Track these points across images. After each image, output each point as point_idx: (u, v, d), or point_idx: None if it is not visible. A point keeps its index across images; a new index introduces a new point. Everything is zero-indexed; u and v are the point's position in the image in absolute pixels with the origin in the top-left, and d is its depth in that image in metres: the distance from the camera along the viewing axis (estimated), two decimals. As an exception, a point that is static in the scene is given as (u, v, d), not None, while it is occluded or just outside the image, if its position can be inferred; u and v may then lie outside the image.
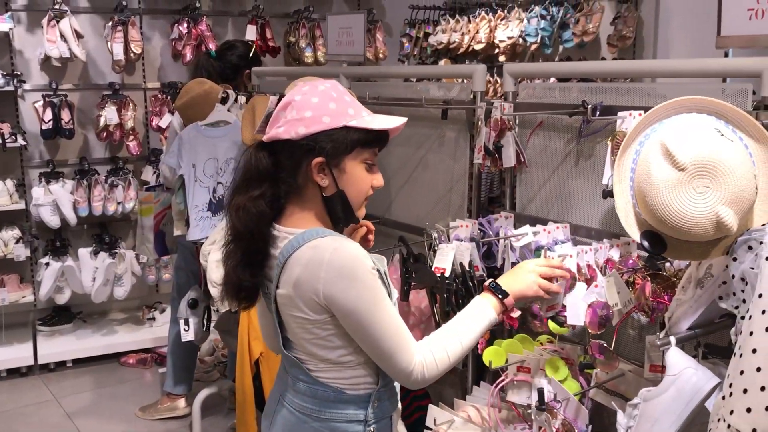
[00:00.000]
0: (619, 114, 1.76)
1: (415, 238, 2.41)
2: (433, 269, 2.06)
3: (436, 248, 2.10)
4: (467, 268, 2.02)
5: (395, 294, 1.62)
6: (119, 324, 4.59)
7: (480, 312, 1.59)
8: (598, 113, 1.90)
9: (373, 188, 1.61)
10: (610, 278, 1.65)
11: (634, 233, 1.43)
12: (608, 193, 1.73)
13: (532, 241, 2.01)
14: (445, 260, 2.03)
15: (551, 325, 1.92)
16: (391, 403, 1.66)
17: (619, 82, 2.35)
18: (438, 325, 2.17)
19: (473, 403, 2.22)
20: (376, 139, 1.57)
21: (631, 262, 1.80)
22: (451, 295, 1.97)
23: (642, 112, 1.69)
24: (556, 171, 2.16)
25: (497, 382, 2.01)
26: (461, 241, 2.12)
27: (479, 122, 2.21)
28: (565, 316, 1.81)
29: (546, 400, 1.80)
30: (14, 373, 4.16)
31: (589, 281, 1.81)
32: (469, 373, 2.45)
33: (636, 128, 1.44)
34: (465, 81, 2.42)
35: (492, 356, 1.99)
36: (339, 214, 1.55)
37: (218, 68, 3.60)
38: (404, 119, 1.58)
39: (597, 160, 2.02)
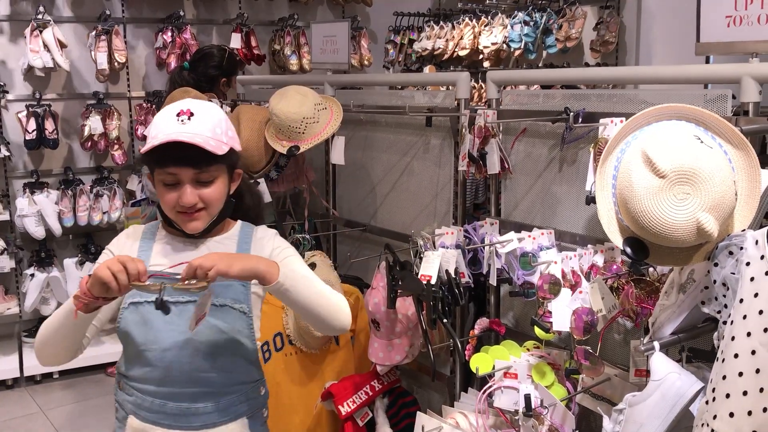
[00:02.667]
0: (601, 121, 1.77)
1: (401, 245, 2.41)
2: (419, 276, 2.07)
3: (422, 255, 2.11)
4: (453, 275, 2.02)
5: None
6: (105, 335, 4.54)
7: None
8: (580, 120, 1.92)
9: (181, 206, 1.58)
10: (594, 284, 1.66)
11: (617, 239, 1.44)
12: (591, 200, 1.74)
13: (517, 248, 2.03)
14: (430, 267, 2.04)
15: (537, 331, 1.93)
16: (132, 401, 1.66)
17: (601, 88, 2.37)
18: (425, 333, 2.18)
19: (461, 409, 2.22)
20: (152, 159, 1.58)
21: (615, 267, 1.82)
22: (437, 302, 1.98)
23: (623, 119, 1.71)
24: (540, 177, 2.17)
25: (484, 388, 2.01)
26: (447, 248, 2.13)
27: (463, 129, 2.23)
28: (551, 322, 1.82)
29: (533, 406, 1.81)
30: (0, 385, 4.12)
31: (573, 287, 1.82)
32: (456, 380, 2.46)
33: (617, 135, 1.45)
34: (450, 88, 2.43)
35: (479, 362, 2.00)
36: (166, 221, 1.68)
37: (193, 80, 3.48)
38: (166, 139, 1.53)
39: (580, 166, 2.04)
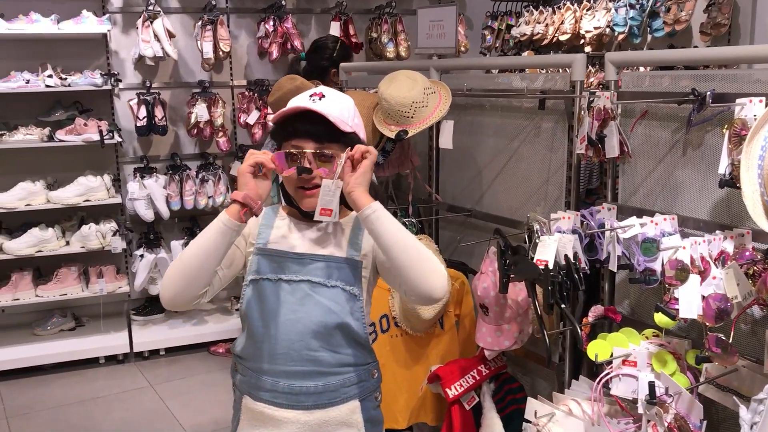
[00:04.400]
0: (738, 101, 1.70)
1: (509, 231, 2.39)
2: (534, 261, 2.04)
3: (537, 240, 2.08)
4: (572, 260, 1.99)
5: None
6: (208, 314, 4.73)
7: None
8: (710, 101, 1.85)
9: (299, 183, 1.64)
10: (729, 270, 1.60)
11: (762, 222, 1.38)
12: (725, 183, 1.68)
13: (638, 233, 1.97)
14: (547, 252, 2.01)
15: (658, 318, 1.88)
16: (246, 381, 1.71)
17: (730, 69, 2.27)
18: (540, 318, 2.16)
19: (573, 396, 2.19)
20: (279, 131, 1.66)
21: (747, 254, 1.74)
22: (555, 287, 1.95)
23: (763, 98, 1.63)
24: (661, 161, 2.10)
25: (602, 375, 1.97)
26: (563, 233, 2.10)
27: (581, 112, 2.18)
28: (677, 309, 1.76)
29: (657, 394, 1.76)
30: (112, 360, 4.35)
31: (702, 273, 1.76)
32: (566, 367, 2.42)
33: (765, 116, 1.39)
34: (563, 70, 2.38)
35: (598, 349, 1.96)
36: (286, 200, 1.74)
37: (306, 71, 3.66)
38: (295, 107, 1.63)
39: (707, 149, 1.96)
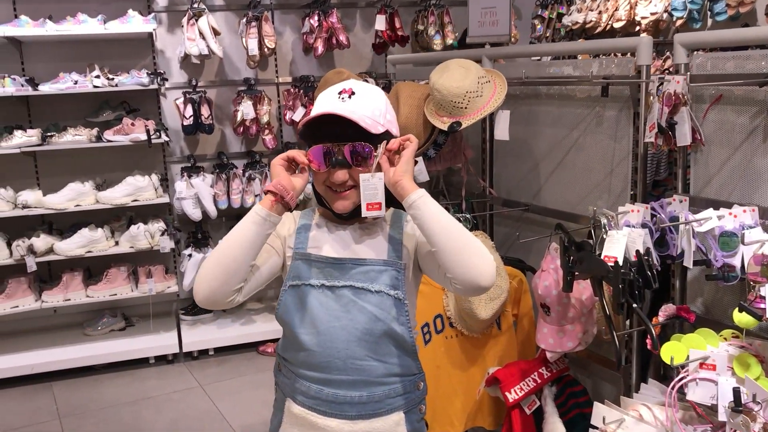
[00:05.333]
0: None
1: (568, 226, 2.26)
2: (602, 258, 1.92)
3: (604, 235, 1.95)
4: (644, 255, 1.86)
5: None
6: (256, 314, 4.69)
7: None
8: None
9: (331, 184, 1.58)
10: (825, 265, 1.45)
11: None
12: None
13: (716, 226, 1.83)
14: (616, 248, 1.89)
15: (738, 318, 1.73)
16: (289, 384, 1.65)
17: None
18: (608, 318, 2.03)
19: (642, 401, 2.06)
20: (308, 133, 1.58)
21: (843, 247, 1.59)
22: (626, 285, 1.82)
23: None
24: (738, 149, 1.95)
25: (677, 379, 1.84)
26: (632, 227, 1.97)
27: (650, 98, 2.04)
28: (763, 309, 1.62)
29: (742, 401, 1.62)
30: (161, 360, 4.34)
31: (791, 270, 1.62)
32: (633, 370, 2.29)
33: None
34: (627, 55, 2.24)
35: (673, 351, 1.83)
36: (318, 200, 1.67)
37: None
38: (325, 110, 1.54)
39: (791, 135, 1.81)
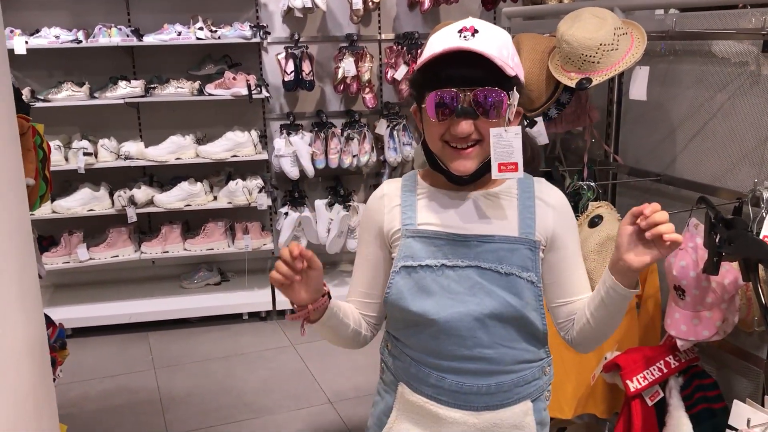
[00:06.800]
0: None
1: (711, 200, 1.99)
2: (760, 238, 1.66)
3: (765, 213, 1.69)
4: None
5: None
6: (349, 276, 4.58)
7: None
8: None
9: (451, 138, 1.33)
10: None
11: None
12: None
13: None
14: (779, 227, 1.62)
15: None
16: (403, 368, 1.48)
17: None
18: (764, 308, 1.77)
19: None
20: (423, 79, 1.34)
21: None
22: (792, 270, 1.56)
23: None
24: None
25: None
26: (798, 203, 1.69)
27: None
28: None
29: None
30: (255, 316, 4.33)
31: None
32: (777, 366, 2.02)
33: None
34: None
35: None
36: (430, 162, 1.44)
37: None
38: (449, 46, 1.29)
39: None
